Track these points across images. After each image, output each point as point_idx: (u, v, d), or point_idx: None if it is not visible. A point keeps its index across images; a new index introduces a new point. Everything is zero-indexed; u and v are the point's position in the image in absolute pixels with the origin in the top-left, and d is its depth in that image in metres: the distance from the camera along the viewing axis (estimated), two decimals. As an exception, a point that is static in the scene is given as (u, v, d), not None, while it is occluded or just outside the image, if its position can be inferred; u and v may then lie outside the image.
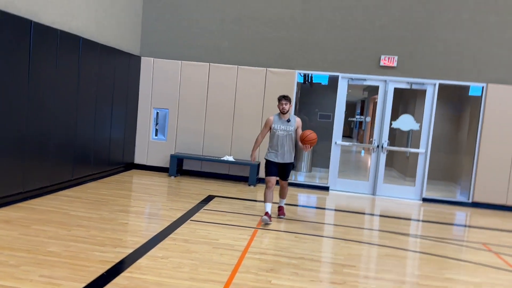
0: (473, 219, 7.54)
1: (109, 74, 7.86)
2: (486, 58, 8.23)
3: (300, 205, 7.49)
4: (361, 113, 19.39)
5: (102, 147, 7.89)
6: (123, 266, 4.00)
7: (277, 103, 5.89)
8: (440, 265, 4.82)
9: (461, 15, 8.23)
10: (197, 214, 6.01)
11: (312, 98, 11.66)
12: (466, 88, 8.94)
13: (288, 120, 5.85)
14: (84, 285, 3.53)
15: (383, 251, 5.18)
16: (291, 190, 8.38)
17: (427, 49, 8.36)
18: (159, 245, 4.62)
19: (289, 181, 6.20)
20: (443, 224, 6.98)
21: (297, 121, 5.93)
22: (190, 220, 5.65)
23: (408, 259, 5.08)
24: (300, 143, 5.72)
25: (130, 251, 4.39)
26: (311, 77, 11.27)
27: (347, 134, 20.75)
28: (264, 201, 5.92)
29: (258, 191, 8.12)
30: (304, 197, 8.24)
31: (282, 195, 6.29)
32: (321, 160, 10.98)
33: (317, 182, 9.25)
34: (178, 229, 5.24)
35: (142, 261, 4.13)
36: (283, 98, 5.81)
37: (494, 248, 5.67)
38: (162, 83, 8.98)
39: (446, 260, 5.02)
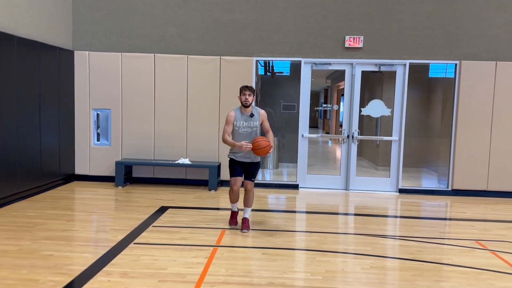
0: (457, 209, 6.88)
1: (32, 73, 6.64)
2: (457, 32, 7.56)
3: (266, 210, 6.58)
4: (325, 103, 18.75)
5: (31, 159, 6.68)
6: (31, 324, 2.96)
7: (239, 95, 5.12)
8: (436, 275, 4.04)
9: (429, -14, 7.53)
10: (143, 234, 4.98)
11: (274, 90, 10.75)
12: (436, 68, 8.31)
13: (251, 115, 5.11)
14: None
15: (366, 263, 4.34)
16: (257, 191, 7.44)
17: (394, 26, 7.61)
18: (86, 285, 3.58)
19: (254, 181, 5.25)
20: (427, 219, 6.27)
21: (261, 114, 5.18)
22: (134, 244, 4.62)
23: (397, 271, 4.26)
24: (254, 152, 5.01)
25: (46, 298, 3.34)
26: (272, 67, 10.39)
27: (313, 124, 20.12)
28: (231, 202, 5.35)
29: (221, 196, 7.16)
30: (271, 199, 7.34)
31: (246, 202, 5.26)
32: (288, 154, 10.13)
33: (285, 180, 8.38)
34: (116, 258, 4.20)
35: (59, 314, 3.09)
36: (246, 88, 5.06)
37: (489, 245, 4.96)
38: (100, 80, 7.81)
39: (440, 267, 4.25)
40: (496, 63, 7.48)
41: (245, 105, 5.06)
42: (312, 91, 8.53)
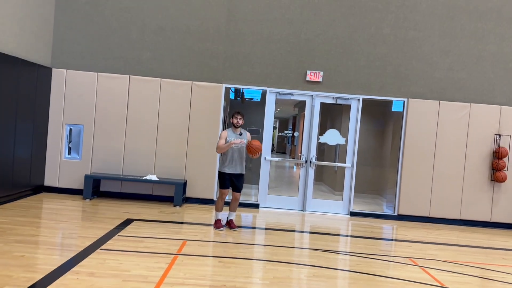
0: (399, 232, 7.59)
1: (10, 87, 7.00)
2: (406, 73, 8.46)
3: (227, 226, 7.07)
4: (293, 129, 19.56)
5: (3, 168, 6.96)
6: (6, 311, 3.33)
7: (231, 118, 6.39)
8: (368, 284, 4.64)
9: (382, 30, 8.43)
10: (109, 241, 5.38)
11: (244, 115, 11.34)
12: (389, 103, 9.18)
13: (240, 134, 6.38)
14: None
15: (310, 272, 4.91)
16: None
17: (351, 64, 8.45)
18: (57, 281, 3.97)
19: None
20: (371, 239, 6.92)
21: (247, 135, 6.49)
22: (100, 249, 5.02)
23: (335, 279, 4.84)
24: (248, 151, 6.29)
25: (19, 291, 3.71)
26: (243, 93, 11.02)
27: (282, 150, 20.85)
28: (216, 210, 6.52)
29: (185, 212, 7.61)
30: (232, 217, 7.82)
31: (233, 208, 6.54)
32: (253, 176, 10.69)
33: (246, 199, 8.90)
34: (83, 260, 4.59)
35: (31, 304, 3.48)
36: (237, 113, 6.34)
37: (420, 262, 5.63)
38: (76, 97, 8.21)
39: (373, 278, 4.86)
40: (439, 102, 8.40)
41: (236, 126, 6.33)
42: (282, 118, 9.16)
